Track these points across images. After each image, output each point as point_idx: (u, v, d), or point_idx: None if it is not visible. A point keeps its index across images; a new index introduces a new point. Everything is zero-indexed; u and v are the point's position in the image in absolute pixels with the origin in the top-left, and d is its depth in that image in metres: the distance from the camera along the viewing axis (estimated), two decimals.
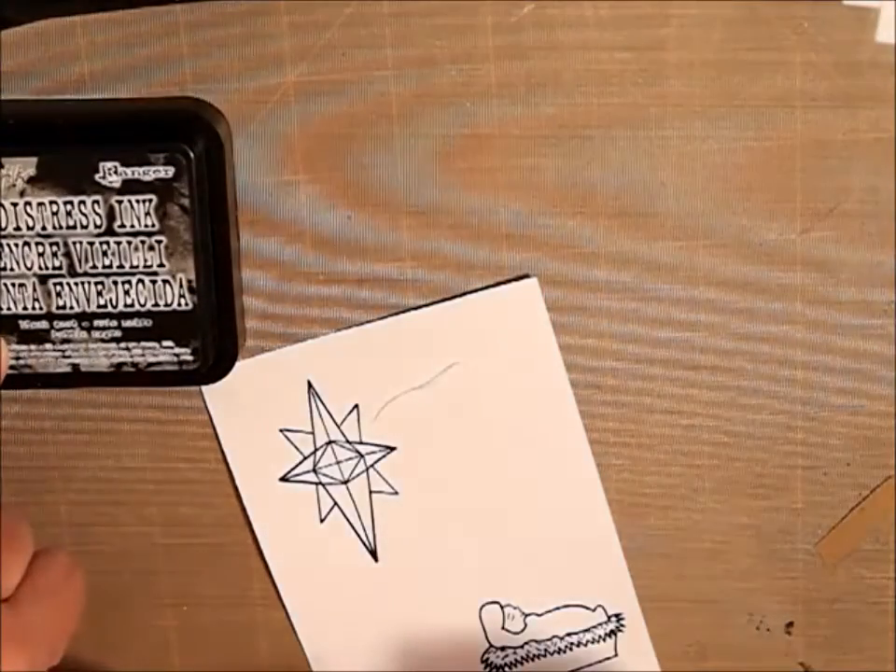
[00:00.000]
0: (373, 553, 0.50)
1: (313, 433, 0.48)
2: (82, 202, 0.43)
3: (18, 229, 0.43)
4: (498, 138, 0.45)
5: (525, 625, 0.50)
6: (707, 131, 0.45)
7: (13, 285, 0.44)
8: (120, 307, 0.44)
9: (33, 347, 0.45)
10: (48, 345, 0.45)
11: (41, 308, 0.44)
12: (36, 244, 0.44)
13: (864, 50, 0.44)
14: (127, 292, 0.44)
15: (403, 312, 0.47)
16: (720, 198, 0.45)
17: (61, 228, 0.43)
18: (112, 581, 0.51)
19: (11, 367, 0.45)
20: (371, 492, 0.49)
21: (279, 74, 0.45)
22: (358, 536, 0.49)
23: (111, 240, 0.44)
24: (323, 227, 0.46)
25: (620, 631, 0.51)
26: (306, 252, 0.47)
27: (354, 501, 0.49)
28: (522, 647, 0.51)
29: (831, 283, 0.46)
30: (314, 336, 0.47)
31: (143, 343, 0.45)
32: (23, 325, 0.44)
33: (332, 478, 0.49)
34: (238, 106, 0.45)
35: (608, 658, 0.51)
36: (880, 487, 0.48)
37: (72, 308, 0.44)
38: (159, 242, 0.43)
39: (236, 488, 0.49)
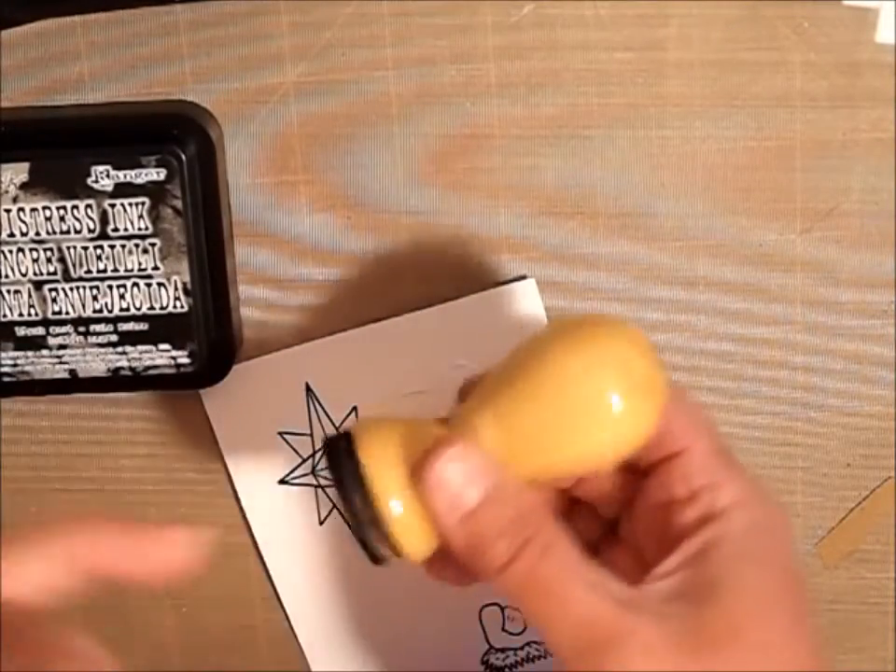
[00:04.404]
0: None
1: (311, 435, 0.48)
2: (75, 206, 0.42)
3: (11, 235, 0.43)
4: (498, 138, 0.45)
5: (526, 627, 0.50)
6: (707, 131, 0.45)
7: (8, 291, 0.43)
8: (116, 311, 0.44)
9: (30, 354, 0.44)
10: (44, 351, 0.44)
11: (37, 314, 0.44)
12: (31, 249, 0.43)
13: (864, 50, 0.44)
14: (122, 296, 0.44)
15: (402, 314, 0.47)
16: (719, 198, 0.45)
17: (54, 233, 0.43)
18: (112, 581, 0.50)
19: (9, 374, 0.44)
20: None
21: (279, 74, 0.44)
22: None
23: (105, 244, 0.43)
24: (322, 227, 0.46)
25: None
26: (305, 254, 0.46)
27: None
28: (522, 648, 0.50)
29: (831, 283, 0.46)
30: (311, 339, 0.47)
31: (139, 347, 0.44)
32: (20, 331, 0.44)
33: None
34: (238, 106, 0.44)
35: None
36: (880, 488, 0.48)
37: (67, 313, 0.44)
38: (152, 245, 0.43)
39: (235, 491, 0.49)
